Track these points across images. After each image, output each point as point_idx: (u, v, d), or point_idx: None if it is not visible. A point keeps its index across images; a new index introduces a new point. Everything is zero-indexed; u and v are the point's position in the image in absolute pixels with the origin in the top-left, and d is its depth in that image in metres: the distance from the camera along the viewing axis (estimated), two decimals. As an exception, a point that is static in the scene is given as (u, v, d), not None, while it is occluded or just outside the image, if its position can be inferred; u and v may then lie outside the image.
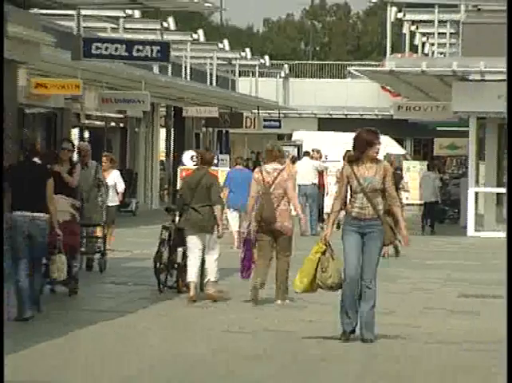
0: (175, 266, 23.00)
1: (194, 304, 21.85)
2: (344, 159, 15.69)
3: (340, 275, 15.67)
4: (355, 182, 15.39)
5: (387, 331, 17.88)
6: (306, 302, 21.74)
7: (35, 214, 19.08)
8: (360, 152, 15.72)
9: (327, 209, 26.14)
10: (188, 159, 26.78)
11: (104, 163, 29.54)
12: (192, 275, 22.23)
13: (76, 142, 36.94)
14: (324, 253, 15.75)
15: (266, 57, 65.64)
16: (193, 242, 22.38)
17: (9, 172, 19.55)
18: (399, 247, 24.25)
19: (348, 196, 15.90)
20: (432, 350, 16.63)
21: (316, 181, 43.28)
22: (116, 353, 16.66)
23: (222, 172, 24.19)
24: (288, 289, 22.01)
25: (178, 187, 25.31)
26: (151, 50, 28.59)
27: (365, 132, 16.02)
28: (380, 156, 19.81)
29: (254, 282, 22.07)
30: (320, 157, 45.85)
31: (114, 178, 31.05)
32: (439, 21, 47.94)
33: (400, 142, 64.63)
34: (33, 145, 21.04)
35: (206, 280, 22.93)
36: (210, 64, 57.56)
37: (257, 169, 23.66)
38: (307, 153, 45.89)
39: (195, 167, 24.43)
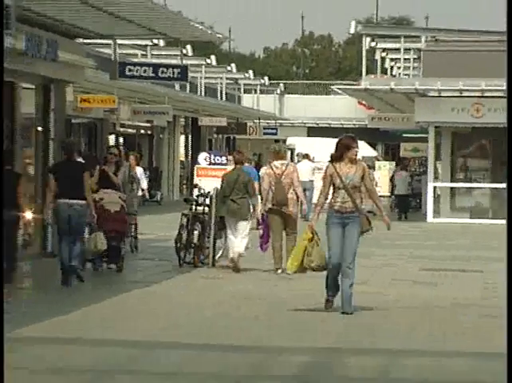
0: (192, 245, 23.05)
1: (209, 276, 22.06)
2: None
3: (322, 259, 15.48)
4: (338, 180, 15.05)
5: (363, 298, 17.69)
6: (303, 276, 20.97)
7: (73, 201, 19.42)
8: (340, 154, 15.42)
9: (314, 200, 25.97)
10: (202, 159, 26.45)
11: (131, 161, 29.39)
12: (240, 248, 22.77)
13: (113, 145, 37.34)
14: (311, 240, 15.52)
15: (266, 78, 65.57)
16: (232, 226, 22.91)
17: (54, 169, 20.38)
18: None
19: (331, 192, 15.61)
20: (399, 312, 16.80)
21: (312, 178, 43.47)
22: (143, 314, 17.01)
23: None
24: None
25: (194, 182, 25.26)
26: (173, 72, 28.74)
27: (345, 138, 15.79)
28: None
29: (277, 257, 22.90)
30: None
31: (139, 174, 30.86)
32: (405, 49, 48.22)
33: (373, 146, 64.83)
34: (72, 148, 21.44)
35: (218, 256, 23.16)
36: (221, 83, 57.63)
37: (266, 166, 24.77)
38: (307, 156, 45.95)
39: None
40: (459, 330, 15.53)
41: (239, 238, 23.01)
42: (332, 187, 15.29)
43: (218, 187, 23.60)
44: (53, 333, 14.87)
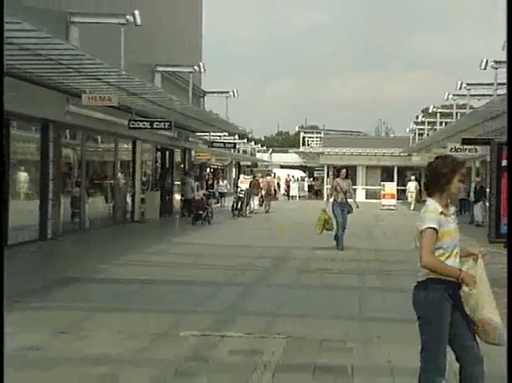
0: (238, 209, 22.14)
1: (244, 220, 20.70)
2: (333, 176, 12.35)
3: (332, 225, 12.42)
4: (339, 187, 12.36)
5: (301, 226, 16.72)
6: (281, 214, 21.22)
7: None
8: (341, 173, 12.62)
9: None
10: (242, 177, 26.85)
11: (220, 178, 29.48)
12: (253, 207, 23.20)
13: (208, 172, 37.06)
14: (326, 214, 12.50)
15: (265, 147, 64.79)
16: (252, 199, 23.20)
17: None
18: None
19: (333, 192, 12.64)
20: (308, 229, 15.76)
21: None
22: (217, 235, 15.87)
23: (248, 180, 24.61)
24: (270, 209, 23.41)
25: (238, 185, 25.21)
26: (230, 145, 28.71)
27: (342, 168, 12.93)
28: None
29: (266, 207, 23.79)
30: (275, 176, 38.19)
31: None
32: (316, 137, 47.72)
33: (304, 172, 63.52)
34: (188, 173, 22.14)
35: (247, 213, 22.53)
36: (248, 149, 57.17)
37: (263, 179, 25.79)
38: (288, 175, 44.85)
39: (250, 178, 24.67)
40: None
41: (254, 204, 23.48)
42: (335, 190, 12.49)
43: (248, 187, 23.06)
44: (177, 239, 14.35)
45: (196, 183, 21.93)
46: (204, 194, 19.34)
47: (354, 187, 40.24)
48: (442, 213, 3.36)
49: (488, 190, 12.81)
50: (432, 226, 3.28)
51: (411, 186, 28.25)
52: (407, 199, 28.99)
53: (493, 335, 3.25)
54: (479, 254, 3.39)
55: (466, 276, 3.24)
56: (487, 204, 15.44)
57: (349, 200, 12.33)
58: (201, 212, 18.24)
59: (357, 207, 12.70)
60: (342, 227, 12.14)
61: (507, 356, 2.49)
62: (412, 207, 26.65)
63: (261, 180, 25.11)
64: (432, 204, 3.39)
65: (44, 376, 4.43)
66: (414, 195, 27.67)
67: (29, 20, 7.58)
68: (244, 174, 32.38)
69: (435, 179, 3.42)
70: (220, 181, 26.81)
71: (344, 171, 12.36)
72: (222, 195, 29.62)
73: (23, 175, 12.57)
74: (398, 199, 30.33)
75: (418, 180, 29.66)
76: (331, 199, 12.27)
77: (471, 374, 3.32)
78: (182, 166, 24.28)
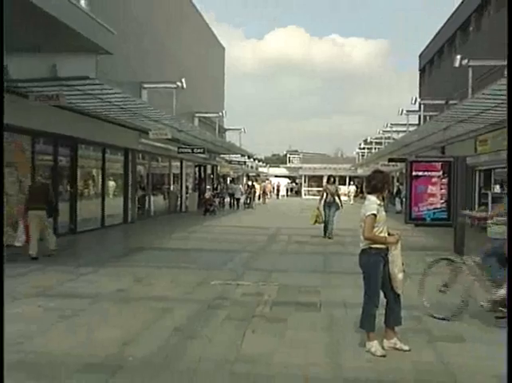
0: (248, 203, 21.35)
1: (251, 210, 19.74)
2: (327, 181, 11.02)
3: (322, 219, 10.04)
4: (328, 190, 10.20)
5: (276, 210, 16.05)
6: (278, 206, 20.70)
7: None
8: (329, 181, 10.32)
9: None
10: (249, 182, 26.04)
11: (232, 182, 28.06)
12: (256, 202, 21.62)
13: (228, 180, 35.46)
14: (318, 211, 10.09)
15: (264, 163, 62.08)
16: (254, 198, 21.59)
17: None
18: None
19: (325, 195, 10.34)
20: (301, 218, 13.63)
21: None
22: (230, 220, 14.28)
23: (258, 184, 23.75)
24: (267, 203, 21.90)
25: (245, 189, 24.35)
26: (242, 163, 27.61)
27: (330, 176, 11.00)
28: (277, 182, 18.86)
29: (264, 202, 22.42)
30: (270, 182, 35.12)
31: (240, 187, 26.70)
32: (297, 157, 45.64)
33: (290, 179, 61.81)
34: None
35: (254, 205, 21.58)
36: (254, 165, 55.69)
37: (261, 184, 24.60)
38: (278, 182, 43.04)
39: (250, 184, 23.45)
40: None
41: (256, 201, 21.83)
42: (325, 193, 10.32)
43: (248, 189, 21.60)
44: (208, 223, 13.33)
45: (240, 186, 21.09)
46: (211, 194, 17.46)
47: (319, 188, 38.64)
48: (379, 205, 3.50)
49: (404, 190, 12.83)
50: (374, 212, 3.43)
51: (351, 189, 31.33)
52: (349, 196, 30.02)
53: (397, 285, 3.48)
54: (396, 233, 3.56)
55: (391, 239, 3.48)
56: (403, 199, 15.45)
57: (337, 200, 10.58)
58: (208, 207, 16.44)
59: (341, 206, 10.50)
60: (329, 221, 10.40)
61: (507, 355, 1.80)
62: (351, 201, 27.71)
63: (262, 184, 24.65)
64: (373, 198, 3.51)
65: (128, 307, 4.57)
66: (353, 194, 30.15)
67: (116, 86, 7.98)
68: (250, 182, 31.46)
69: (377, 184, 3.52)
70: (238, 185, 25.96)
71: (332, 179, 10.76)
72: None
73: (113, 183, 12.78)
74: (348, 197, 30.92)
75: (356, 185, 32.31)
76: (323, 199, 10.44)
77: (394, 307, 3.53)
78: (211, 176, 23.70)
